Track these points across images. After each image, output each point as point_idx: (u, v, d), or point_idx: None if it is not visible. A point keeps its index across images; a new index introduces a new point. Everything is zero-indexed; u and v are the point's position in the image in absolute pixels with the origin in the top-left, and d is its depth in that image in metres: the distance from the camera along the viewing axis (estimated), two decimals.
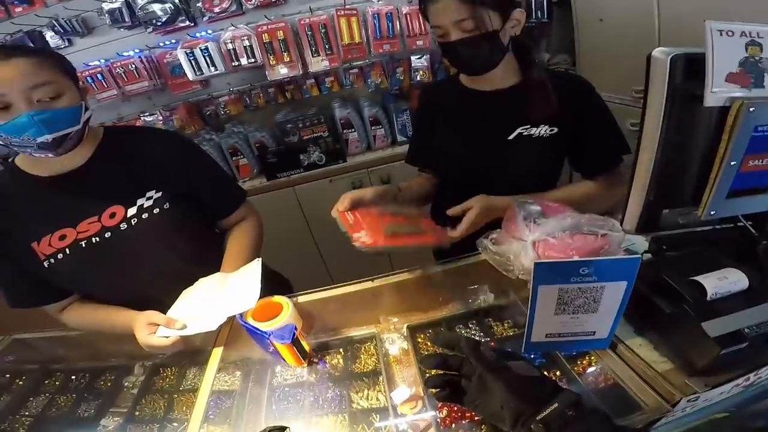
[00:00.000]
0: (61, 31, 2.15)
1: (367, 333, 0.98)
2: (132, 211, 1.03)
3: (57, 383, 1.09)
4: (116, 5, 2.10)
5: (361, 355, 0.94)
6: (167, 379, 1.02)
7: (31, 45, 2.13)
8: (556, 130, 1.12)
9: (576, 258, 0.69)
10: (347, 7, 2.22)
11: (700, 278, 0.72)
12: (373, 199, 1.07)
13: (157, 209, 1.05)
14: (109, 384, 1.04)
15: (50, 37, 2.18)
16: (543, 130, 1.13)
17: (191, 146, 1.19)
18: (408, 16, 2.27)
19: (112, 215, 1.02)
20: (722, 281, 0.72)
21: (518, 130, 1.14)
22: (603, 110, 1.14)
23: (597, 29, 2.16)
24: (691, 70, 0.60)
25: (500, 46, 1.04)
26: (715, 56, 0.57)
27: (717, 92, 0.59)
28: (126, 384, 1.02)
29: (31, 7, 2.12)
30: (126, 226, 1.02)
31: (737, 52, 0.58)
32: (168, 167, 1.08)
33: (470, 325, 0.95)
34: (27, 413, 1.01)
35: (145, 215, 1.03)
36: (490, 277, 0.96)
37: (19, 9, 2.11)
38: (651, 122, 0.64)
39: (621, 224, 0.73)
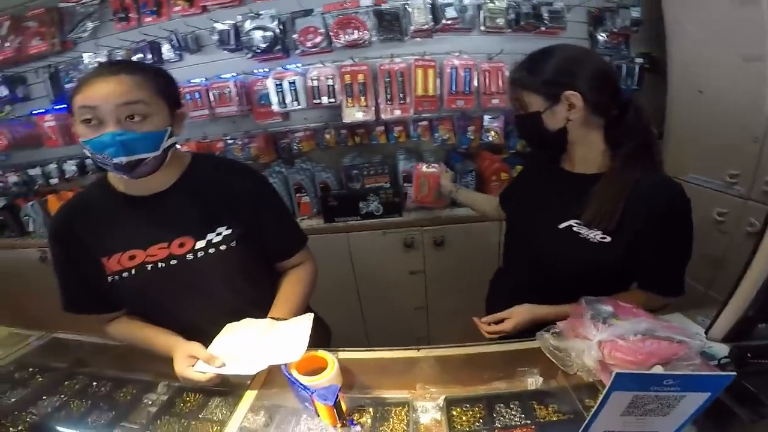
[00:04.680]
0: (176, 45, 2.30)
1: (400, 398, 0.93)
2: (201, 244, 1.03)
3: (76, 386, 1.08)
4: (226, 27, 2.22)
5: (391, 419, 0.88)
6: (188, 404, 0.99)
7: (150, 55, 2.30)
8: (608, 239, 1.00)
9: (658, 368, 0.62)
10: (426, 57, 2.22)
11: None
12: None
13: (224, 246, 1.04)
14: (128, 397, 1.02)
15: (166, 49, 2.32)
16: (593, 235, 1.02)
17: (267, 186, 1.18)
18: (487, 73, 2.20)
19: (182, 245, 1.02)
20: None
21: (570, 221, 1.05)
22: (684, 237, 1.01)
23: (694, 102, 1.95)
24: None
25: (541, 127, 1.04)
26: None
27: None
28: (145, 401, 1.00)
29: (158, 18, 2.29)
30: (192, 257, 1.02)
31: None
32: (242, 205, 1.08)
33: (511, 405, 0.88)
34: (34, 411, 1.00)
35: (211, 250, 1.03)
36: (542, 362, 0.90)
37: (149, 19, 2.30)
38: None
39: (706, 331, 0.64)
